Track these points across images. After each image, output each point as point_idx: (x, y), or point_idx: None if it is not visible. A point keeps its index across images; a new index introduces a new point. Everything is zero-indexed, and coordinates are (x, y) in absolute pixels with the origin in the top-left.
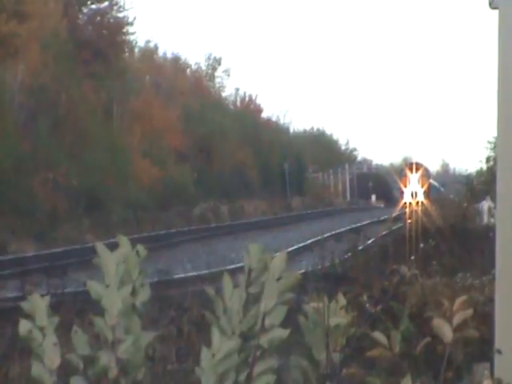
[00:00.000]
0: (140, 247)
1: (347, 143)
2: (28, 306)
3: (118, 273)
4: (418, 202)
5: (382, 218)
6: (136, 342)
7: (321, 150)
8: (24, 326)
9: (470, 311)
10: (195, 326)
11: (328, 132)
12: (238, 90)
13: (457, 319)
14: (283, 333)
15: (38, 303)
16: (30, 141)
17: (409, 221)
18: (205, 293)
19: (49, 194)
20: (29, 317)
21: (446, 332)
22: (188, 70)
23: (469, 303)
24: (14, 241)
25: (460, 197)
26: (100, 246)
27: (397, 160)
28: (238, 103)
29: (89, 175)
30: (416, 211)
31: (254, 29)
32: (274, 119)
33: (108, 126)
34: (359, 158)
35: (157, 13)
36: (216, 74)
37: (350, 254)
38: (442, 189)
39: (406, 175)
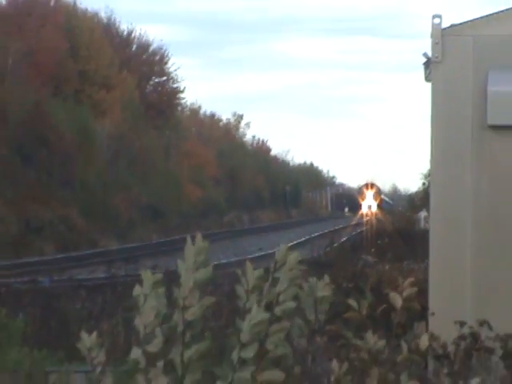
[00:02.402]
0: (206, 242)
1: (328, 172)
2: (143, 278)
3: (195, 258)
4: (372, 212)
5: (352, 223)
6: (199, 307)
7: (311, 177)
8: (136, 290)
9: (414, 289)
10: (225, 296)
11: (316, 165)
12: (254, 136)
13: (405, 293)
14: (292, 305)
15: (147, 276)
16: (114, 172)
17: (366, 226)
18: (234, 273)
19: (126, 207)
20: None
21: (398, 302)
22: (221, 123)
23: (414, 283)
24: (103, 239)
25: (405, 209)
26: (188, 239)
27: (362, 183)
28: (255, 145)
29: (153, 195)
30: (371, 219)
31: (266, 96)
32: (279, 156)
33: (166, 162)
34: (337, 182)
35: (200, 84)
36: (240, 125)
37: (329, 248)
38: (391, 203)
39: (363, 192)
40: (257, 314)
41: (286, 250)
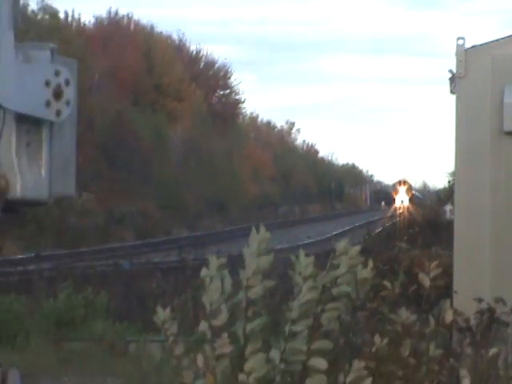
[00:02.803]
0: (268, 232)
1: (367, 171)
2: (209, 261)
3: (259, 246)
4: (404, 206)
5: (388, 215)
6: (261, 288)
7: (352, 175)
8: (204, 271)
9: (439, 270)
10: (279, 278)
11: (357, 165)
12: (304, 141)
13: (432, 274)
14: (347, 288)
15: (213, 260)
16: (185, 171)
17: (399, 217)
18: (287, 259)
19: (195, 201)
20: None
21: (426, 282)
22: (275, 130)
23: (439, 265)
24: (175, 228)
25: (433, 202)
26: (253, 229)
27: (396, 180)
28: (305, 148)
29: (218, 190)
30: (404, 211)
31: (314, 106)
32: (325, 158)
33: (229, 162)
34: (375, 180)
35: (257, 95)
36: (292, 131)
37: (368, 236)
38: (421, 197)
39: (397, 188)
40: (306, 295)
41: (345, 243)
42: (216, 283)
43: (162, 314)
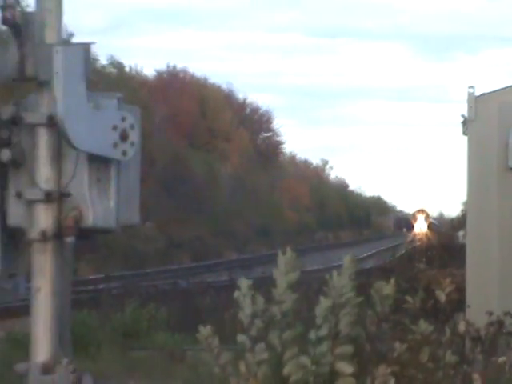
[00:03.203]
0: (294, 253)
1: (391, 202)
2: (241, 284)
3: (286, 265)
4: (423, 232)
5: (408, 240)
6: (291, 301)
7: (378, 205)
8: (236, 293)
9: (453, 287)
10: (315, 293)
11: (382, 196)
12: (336, 176)
13: (447, 290)
14: (351, 294)
15: (243, 283)
16: (233, 201)
17: (418, 242)
18: (321, 277)
19: (243, 228)
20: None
21: (442, 297)
22: (311, 166)
23: (453, 283)
24: (225, 251)
25: (447, 228)
26: (279, 253)
27: (415, 209)
28: (337, 182)
29: (262, 218)
30: (422, 236)
31: (345, 146)
32: (354, 190)
33: (272, 194)
34: (397, 209)
35: (296, 137)
36: (325, 168)
37: (391, 258)
38: (438, 224)
39: (416, 216)
40: (323, 302)
41: (351, 257)
42: (247, 301)
43: (204, 330)
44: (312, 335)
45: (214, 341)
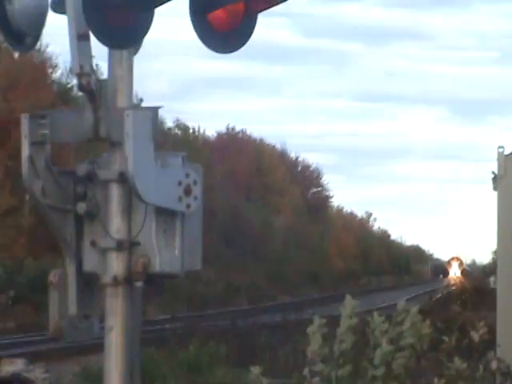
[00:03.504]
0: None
1: (429, 250)
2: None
3: (347, 309)
4: (457, 277)
5: (444, 284)
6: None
7: (417, 253)
8: (309, 328)
9: (486, 328)
10: (360, 334)
11: (420, 245)
12: (379, 227)
13: (480, 331)
14: (412, 340)
15: (316, 320)
16: (286, 250)
17: (453, 286)
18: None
19: (295, 274)
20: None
21: (476, 337)
22: (357, 218)
23: (485, 324)
24: (279, 295)
25: (480, 274)
26: (347, 297)
27: (450, 257)
28: (380, 233)
29: (312, 265)
30: (457, 282)
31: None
32: (396, 240)
33: (321, 243)
34: (434, 257)
35: (343, 191)
36: (369, 220)
37: (429, 300)
38: (470, 270)
39: (451, 263)
40: (385, 347)
41: (405, 303)
42: (317, 337)
43: (255, 369)
44: (369, 373)
45: (262, 380)
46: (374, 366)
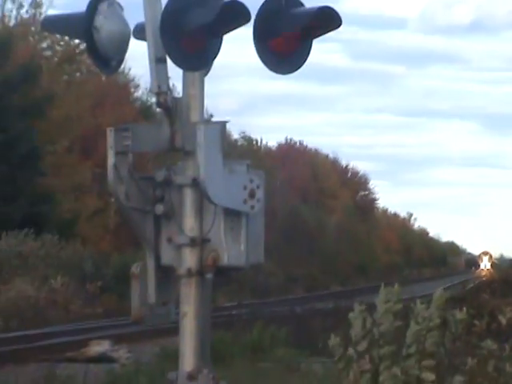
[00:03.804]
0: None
1: (462, 245)
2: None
3: (386, 296)
4: (487, 269)
5: (476, 275)
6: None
7: (452, 248)
8: (351, 314)
9: None
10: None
11: (455, 241)
12: (419, 226)
13: (508, 316)
14: (438, 321)
15: (357, 307)
16: (338, 247)
17: (484, 277)
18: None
19: (346, 266)
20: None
21: (503, 321)
22: (399, 218)
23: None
24: (332, 285)
25: (507, 266)
26: (382, 286)
27: (481, 251)
28: (420, 231)
29: (361, 259)
30: (487, 273)
31: (426, 201)
32: (434, 236)
33: (369, 240)
34: (467, 251)
35: (388, 194)
36: (411, 219)
37: (463, 289)
38: (499, 263)
39: (482, 257)
40: (412, 327)
41: (441, 291)
42: (358, 322)
43: (334, 339)
44: (403, 352)
45: (339, 349)
46: (408, 345)
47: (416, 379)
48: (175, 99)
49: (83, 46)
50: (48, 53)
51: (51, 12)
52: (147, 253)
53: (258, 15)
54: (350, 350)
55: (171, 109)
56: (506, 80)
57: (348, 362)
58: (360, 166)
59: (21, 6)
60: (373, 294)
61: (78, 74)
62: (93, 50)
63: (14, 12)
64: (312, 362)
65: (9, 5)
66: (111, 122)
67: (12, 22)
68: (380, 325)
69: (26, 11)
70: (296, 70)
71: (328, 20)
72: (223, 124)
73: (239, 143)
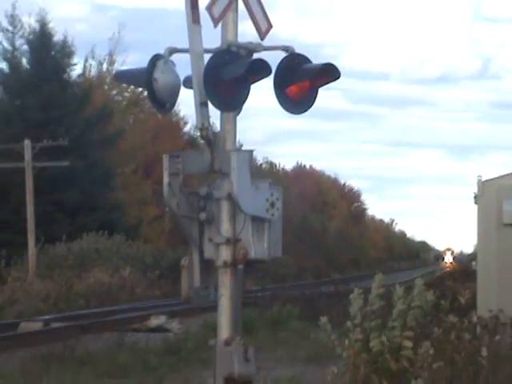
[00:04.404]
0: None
1: (431, 244)
2: (353, 295)
3: (376, 282)
4: (450, 262)
5: (441, 267)
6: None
7: (423, 246)
8: (351, 296)
9: (469, 295)
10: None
11: (426, 240)
12: (399, 229)
13: (466, 297)
14: (421, 303)
15: (356, 291)
16: (337, 244)
17: (447, 268)
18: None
19: (343, 260)
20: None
21: (462, 301)
22: (383, 223)
23: (469, 292)
24: (333, 273)
25: (465, 260)
26: (377, 273)
27: (445, 248)
28: (399, 232)
29: (355, 254)
30: (450, 265)
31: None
32: (410, 237)
33: (360, 241)
34: (435, 248)
35: (376, 205)
36: (393, 224)
37: (431, 277)
38: (459, 258)
39: (446, 252)
40: (400, 306)
41: (420, 280)
42: (357, 301)
43: (323, 319)
44: (389, 324)
45: (328, 326)
46: (393, 319)
47: (398, 346)
48: (214, 133)
49: (145, 93)
50: (118, 98)
51: (122, 67)
52: (193, 249)
53: (277, 69)
54: (348, 323)
55: (211, 140)
56: (465, 119)
57: (346, 331)
58: (354, 183)
59: (100, 63)
60: (364, 281)
61: (141, 114)
62: (152, 96)
63: (94, 67)
64: (318, 331)
65: (90, 61)
66: (166, 150)
67: (92, 74)
68: (372, 304)
69: (103, 66)
70: (306, 110)
71: (330, 73)
72: (251, 152)
73: (263, 166)
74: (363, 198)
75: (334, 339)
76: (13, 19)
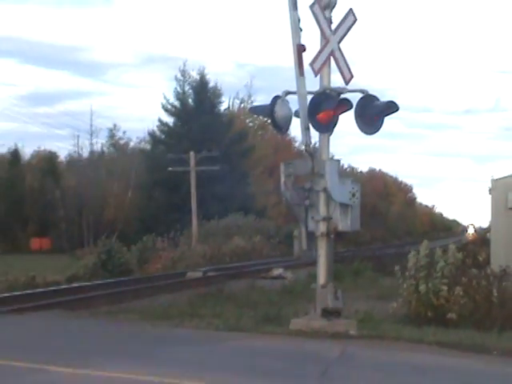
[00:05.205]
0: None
1: (460, 221)
2: (410, 254)
3: (423, 247)
4: (472, 234)
5: (465, 237)
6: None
7: (455, 223)
8: (410, 255)
9: (485, 255)
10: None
11: (457, 219)
12: (440, 212)
13: (483, 256)
14: (455, 259)
15: (412, 252)
16: (398, 222)
17: (470, 237)
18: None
19: (400, 232)
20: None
21: (480, 260)
22: (428, 208)
23: (486, 253)
24: (391, 240)
25: (483, 233)
26: (424, 241)
27: (468, 223)
28: (439, 214)
29: (408, 227)
30: (472, 236)
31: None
32: (446, 217)
33: (413, 219)
34: (462, 224)
35: (425, 195)
36: (434, 208)
37: (459, 244)
38: (479, 231)
39: (469, 226)
40: (440, 263)
41: (453, 245)
42: (412, 258)
43: (396, 268)
44: (433, 275)
45: (398, 273)
46: (436, 271)
47: (438, 289)
48: (315, 148)
49: (269, 121)
50: (251, 124)
51: (254, 104)
52: (301, 224)
53: (356, 105)
54: (406, 273)
55: (312, 153)
56: (483, 138)
57: (404, 279)
58: (408, 180)
59: (240, 101)
60: (414, 245)
61: (266, 135)
62: (273, 123)
63: (236, 104)
64: (385, 279)
65: (233, 100)
66: (282, 159)
67: (234, 109)
68: (421, 261)
69: (242, 104)
70: (376, 132)
71: (393, 107)
72: (338, 161)
73: (347, 170)
74: (414, 190)
75: (400, 282)
76: (183, 72)
